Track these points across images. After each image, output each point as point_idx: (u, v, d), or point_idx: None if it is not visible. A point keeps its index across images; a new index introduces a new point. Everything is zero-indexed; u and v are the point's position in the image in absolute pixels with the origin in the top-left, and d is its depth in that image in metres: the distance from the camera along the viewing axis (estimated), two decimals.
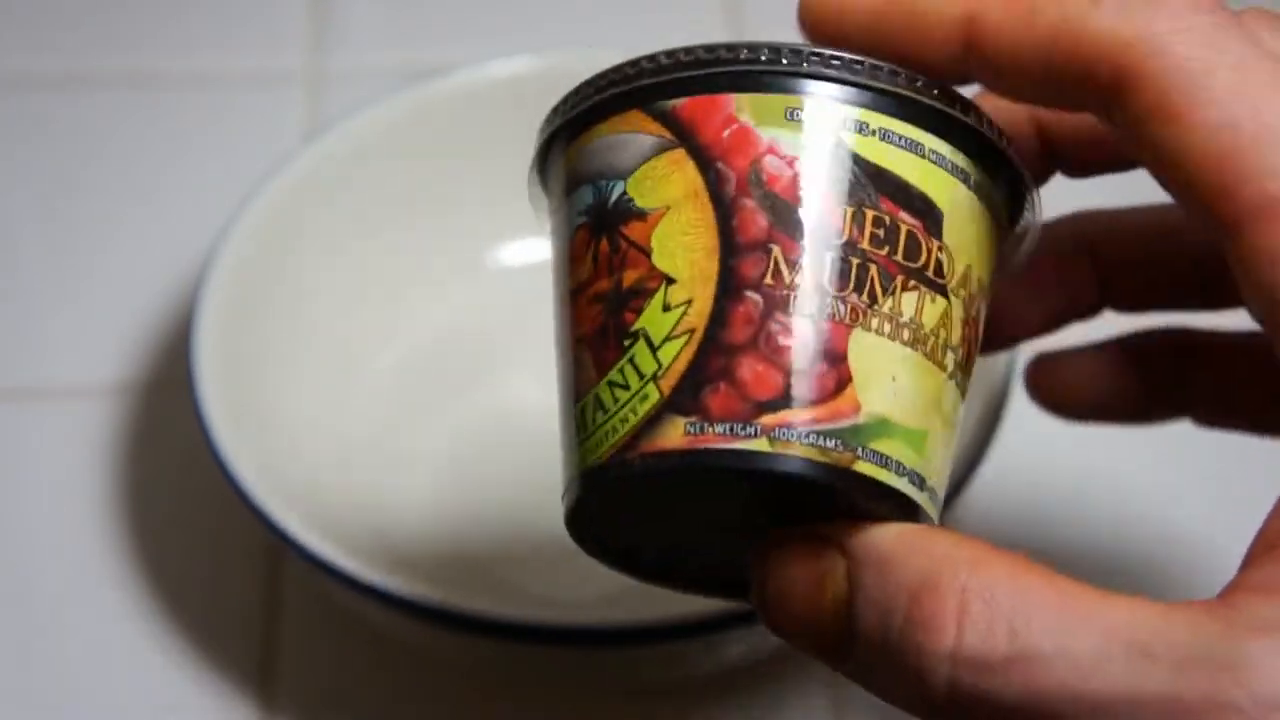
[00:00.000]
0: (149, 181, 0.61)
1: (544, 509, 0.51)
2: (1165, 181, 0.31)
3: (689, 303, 0.32)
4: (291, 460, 0.48)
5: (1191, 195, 0.31)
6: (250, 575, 0.51)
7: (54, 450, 0.54)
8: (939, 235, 0.32)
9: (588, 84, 0.34)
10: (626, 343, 0.32)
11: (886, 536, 0.31)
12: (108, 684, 0.49)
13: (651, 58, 0.33)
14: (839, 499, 0.32)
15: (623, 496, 0.33)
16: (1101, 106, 0.32)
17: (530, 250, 0.56)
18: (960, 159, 0.33)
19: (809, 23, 0.34)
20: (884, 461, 0.31)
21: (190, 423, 0.46)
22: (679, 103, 0.33)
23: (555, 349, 0.35)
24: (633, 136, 0.33)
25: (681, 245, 0.32)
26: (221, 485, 0.45)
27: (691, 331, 0.32)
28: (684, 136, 0.33)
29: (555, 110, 0.35)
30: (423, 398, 0.53)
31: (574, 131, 0.35)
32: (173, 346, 0.56)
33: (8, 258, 0.59)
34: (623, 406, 0.32)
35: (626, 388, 0.32)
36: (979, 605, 0.29)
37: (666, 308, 0.32)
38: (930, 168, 0.33)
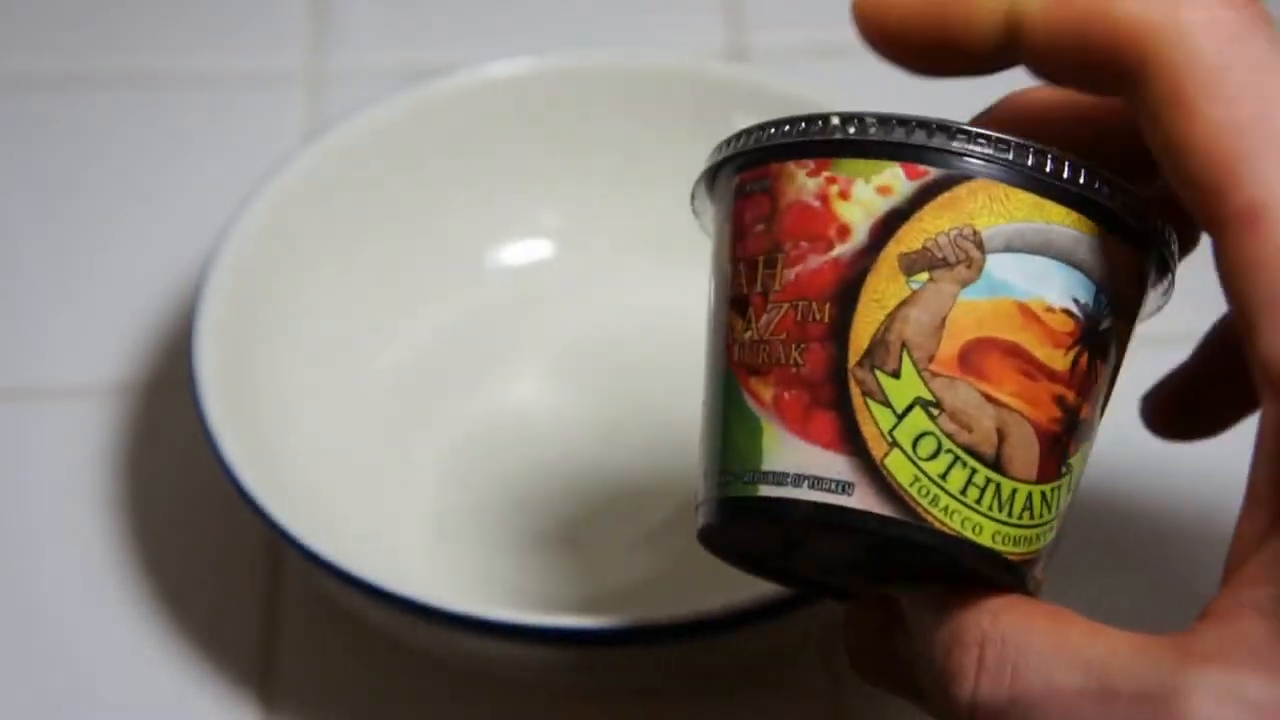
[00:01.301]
0: (149, 181, 0.61)
1: (544, 508, 0.51)
2: (1168, 172, 0.32)
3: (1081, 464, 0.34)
4: (292, 460, 0.48)
5: (1188, 190, 0.31)
6: (250, 575, 0.51)
7: (54, 450, 0.54)
8: None
9: (1050, 154, 0.33)
10: (1063, 470, 0.33)
11: (935, 598, 0.33)
12: (108, 684, 0.49)
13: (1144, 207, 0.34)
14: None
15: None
16: (1127, 90, 0.32)
17: (530, 250, 0.56)
18: None
19: (862, 15, 0.35)
20: None
21: (190, 423, 0.46)
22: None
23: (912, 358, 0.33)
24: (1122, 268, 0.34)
25: (1102, 406, 0.34)
26: (221, 485, 0.45)
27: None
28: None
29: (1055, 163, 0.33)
30: (423, 397, 0.53)
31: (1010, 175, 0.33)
32: (173, 346, 0.56)
33: (8, 258, 0.59)
34: (1042, 525, 0.33)
35: (1050, 508, 0.33)
36: (992, 652, 0.31)
37: (1084, 460, 0.34)
38: None
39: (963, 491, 0.32)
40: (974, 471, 0.32)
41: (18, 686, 0.49)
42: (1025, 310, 0.32)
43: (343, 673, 0.49)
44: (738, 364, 0.34)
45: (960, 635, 0.32)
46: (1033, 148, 0.33)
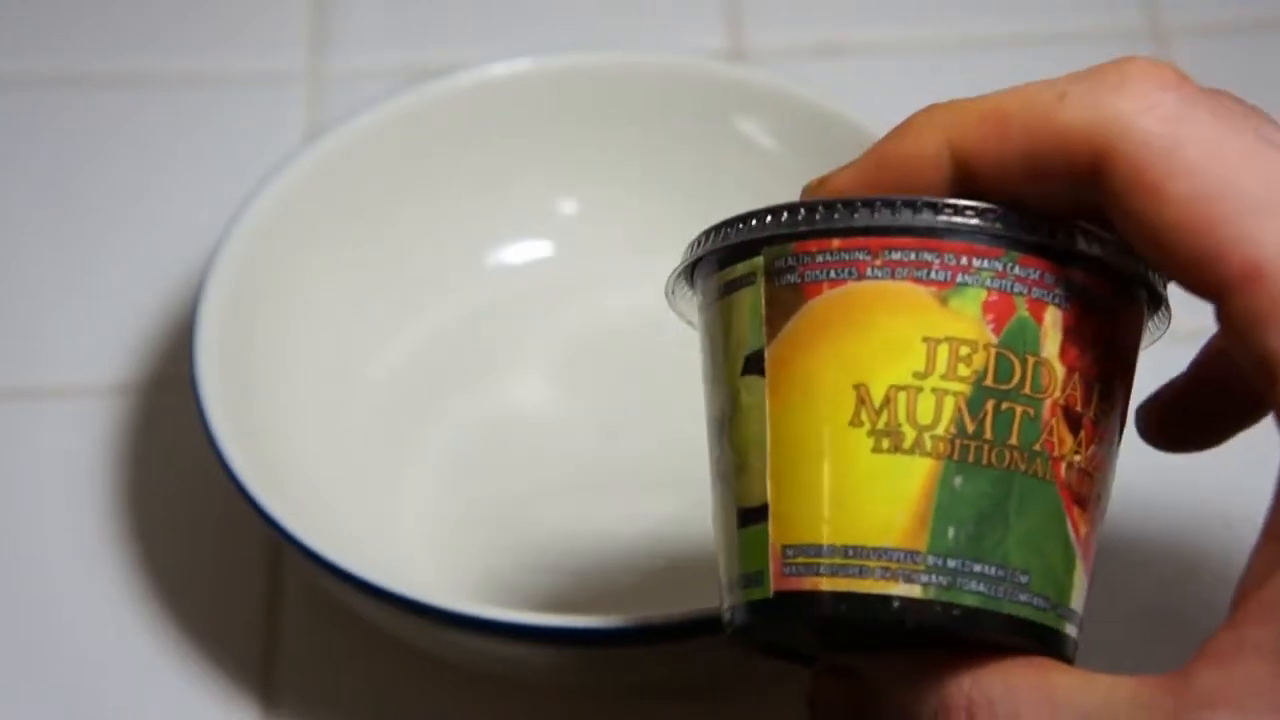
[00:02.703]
0: (149, 181, 0.61)
1: (544, 508, 0.51)
2: (1149, 252, 0.32)
3: None
4: (292, 459, 0.48)
5: (1175, 264, 0.32)
6: (250, 575, 0.51)
7: (54, 450, 0.54)
8: None
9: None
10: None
11: (906, 666, 0.33)
12: (108, 683, 0.49)
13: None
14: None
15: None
16: (1088, 190, 0.33)
17: (530, 250, 0.56)
18: None
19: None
20: None
21: (191, 422, 0.46)
22: None
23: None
24: None
25: None
26: (222, 485, 0.45)
27: None
28: None
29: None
30: (423, 396, 0.53)
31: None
32: (173, 346, 0.56)
33: (9, 257, 0.59)
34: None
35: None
36: (983, 715, 0.32)
37: None
38: None
39: None
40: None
41: (18, 686, 0.49)
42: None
43: (343, 673, 0.49)
44: (1065, 485, 0.33)
45: (945, 703, 0.32)
46: None
